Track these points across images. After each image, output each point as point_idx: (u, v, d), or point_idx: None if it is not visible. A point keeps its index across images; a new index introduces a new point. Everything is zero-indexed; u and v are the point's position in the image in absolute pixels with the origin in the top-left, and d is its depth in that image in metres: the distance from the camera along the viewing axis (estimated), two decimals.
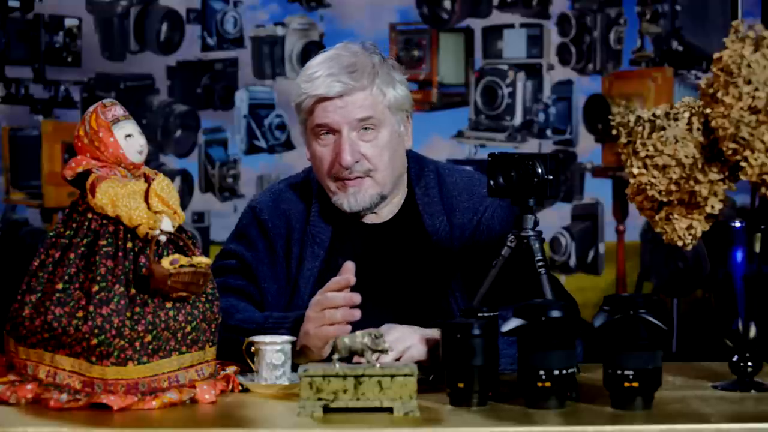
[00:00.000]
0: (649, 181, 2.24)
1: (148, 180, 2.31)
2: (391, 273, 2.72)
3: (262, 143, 4.79)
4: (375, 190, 2.73)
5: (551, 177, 2.43)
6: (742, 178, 2.21)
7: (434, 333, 2.48)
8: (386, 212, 2.80)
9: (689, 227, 2.26)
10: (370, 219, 2.79)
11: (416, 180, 2.81)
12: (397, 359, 2.49)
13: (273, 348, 2.39)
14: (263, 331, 2.53)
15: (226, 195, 4.79)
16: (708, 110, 2.21)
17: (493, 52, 4.75)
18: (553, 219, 4.70)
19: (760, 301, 2.31)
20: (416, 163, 2.83)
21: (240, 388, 2.36)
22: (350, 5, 4.75)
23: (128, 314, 2.20)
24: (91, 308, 2.19)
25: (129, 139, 2.30)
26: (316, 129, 2.72)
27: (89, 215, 2.27)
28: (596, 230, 4.75)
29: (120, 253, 2.24)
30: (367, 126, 2.70)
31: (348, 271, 2.53)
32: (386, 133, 2.73)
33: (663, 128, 2.23)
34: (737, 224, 2.32)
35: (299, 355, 2.52)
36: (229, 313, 2.62)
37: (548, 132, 4.75)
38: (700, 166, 2.22)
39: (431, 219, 2.77)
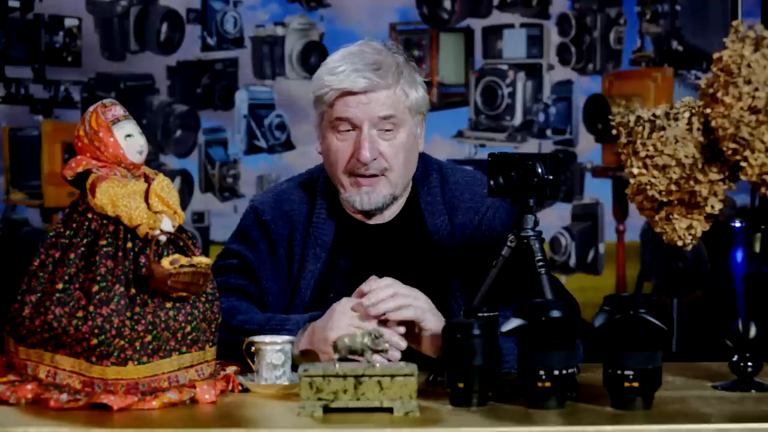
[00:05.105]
0: (649, 181, 2.24)
1: (148, 180, 2.31)
2: (393, 273, 2.71)
3: (262, 143, 4.79)
4: (388, 190, 2.73)
5: (551, 177, 2.42)
6: (742, 178, 2.20)
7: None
8: (389, 212, 2.79)
9: (689, 227, 2.26)
10: (373, 219, 2.79)
11: (420, 179, 2.81)
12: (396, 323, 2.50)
13: (273, 348, 2.39)
14: (265, 333, 2.52)
15: (226, 195, 4.79)
16: (708, 110, 2.21)
17: (493, 52, 4.75)
18: (553, 219, 4.70)
19: (760, 301, 2.31)
20: (421, 163, 2.82)
21: (240, 388, 2.36)
22: (350, 5, 4.75)
23: (128, 314, 2.19)
24: (91, 308, 2.19)
25: (129, 139, 2.30)
26: (336, 122, 2.70)
27: (89, 215, 2.27)
28: (596, 230, 4.75)
29: (120, 253, 2.23)
30: (388, 125, 2.70)
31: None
32: (404, 133, 2.72)
33: (663, 128, 2.23)
34: (737, 224, 2.31)
35: (300, 359, 2.51)
36: (231, 314, 2.62)
37: (548, 132, 4.75)
38: (700, 166, 2.22)
39: (433, 218, 2.77)
